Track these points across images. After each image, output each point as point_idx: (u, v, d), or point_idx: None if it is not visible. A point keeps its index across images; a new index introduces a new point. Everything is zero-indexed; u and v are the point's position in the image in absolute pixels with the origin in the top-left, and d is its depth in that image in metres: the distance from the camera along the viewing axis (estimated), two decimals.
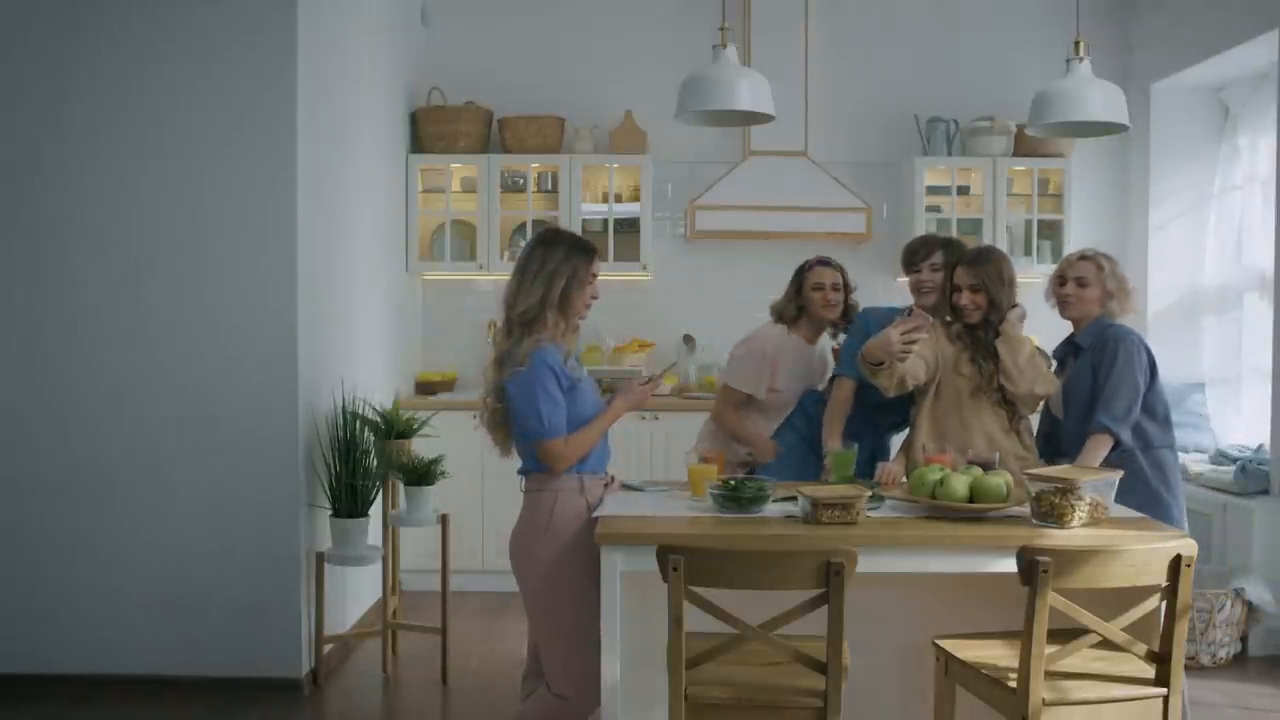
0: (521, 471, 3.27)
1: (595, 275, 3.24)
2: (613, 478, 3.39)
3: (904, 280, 4.22)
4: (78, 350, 4.41)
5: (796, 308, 4.27)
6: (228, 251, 4.40)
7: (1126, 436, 3.70)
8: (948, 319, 3.83)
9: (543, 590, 3.17)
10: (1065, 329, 4.00)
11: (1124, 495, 3.39)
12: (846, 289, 4.27)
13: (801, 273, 4.29)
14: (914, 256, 4.10)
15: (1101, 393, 3.71)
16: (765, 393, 4.20)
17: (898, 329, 3.55)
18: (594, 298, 3.26)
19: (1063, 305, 3.91)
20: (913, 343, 3.55)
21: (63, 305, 4.42)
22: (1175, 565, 2.72)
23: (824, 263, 4.28)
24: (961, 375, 3.75)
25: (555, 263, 3.15)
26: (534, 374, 3.08)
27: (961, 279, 3.76)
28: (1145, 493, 3.68)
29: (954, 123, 6.31)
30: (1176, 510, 3.79)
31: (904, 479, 3.63)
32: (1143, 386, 3.74)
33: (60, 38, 4.39)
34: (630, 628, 3.03)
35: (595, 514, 3.18)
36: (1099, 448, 3.66)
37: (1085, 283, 3.85)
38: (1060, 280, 3.91)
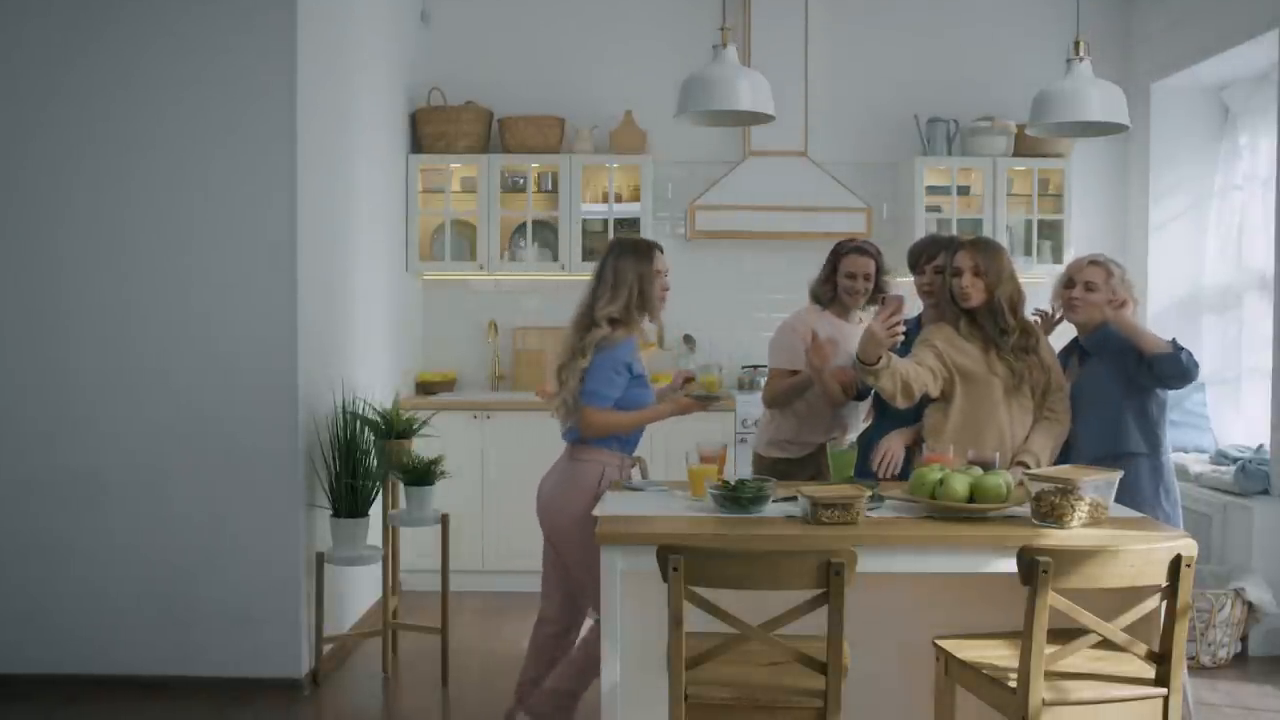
0: (569, 439, 3.72)
1: (659, 270, 3.72)
2: (639, 458, 3.81)
3: (904, 279, 4.21)
4: (75, 350, 4.41)
5: (832, 289, 4.28)
6: (227, 252, 4.40)
7: (1185, 359, 3.67)
8: (955, 312, 3.79)
9: (583, 534, 3.43)
10: (1066, 332, 4.00)
11: (1124, 502, 3.40)
12: (880, 274, 4.26)
13: (837, 256, 4.28)
14: (917, 259, 4.10)
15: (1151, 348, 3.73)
16: (804, 366, 4.16)
17: (878, 320, 3.52)
18: (665, 289, 3.75)
19: (1069, 308, 3.91)
20: (897, 325, 3.51)
21: (59, 304, 4.42)
22: (1175, 565, 2.72)
23: (860, 250, 4.25)
24: (996, 375, 3.71)
25: (622, 265, 3.68)
26: (612, 354, 3.60)
27: (964, 261, 3.71)
28: (1144, 504, 3.66)
29: (954, 123, 6.31)
30: (1174, 518, 3.78)
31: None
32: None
33: (57, 36, 4.39)
34: (630, 628, 3.03)
35: (594, 513, 3.21)
36: (1160, 342, 3.70)
37: (1094, 288, 3.84)
38: (1068, 283, 3.91)
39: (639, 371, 3.69)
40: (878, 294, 4.27)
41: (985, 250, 3.75)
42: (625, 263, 3.68)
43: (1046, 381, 3.74)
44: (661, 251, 3.78)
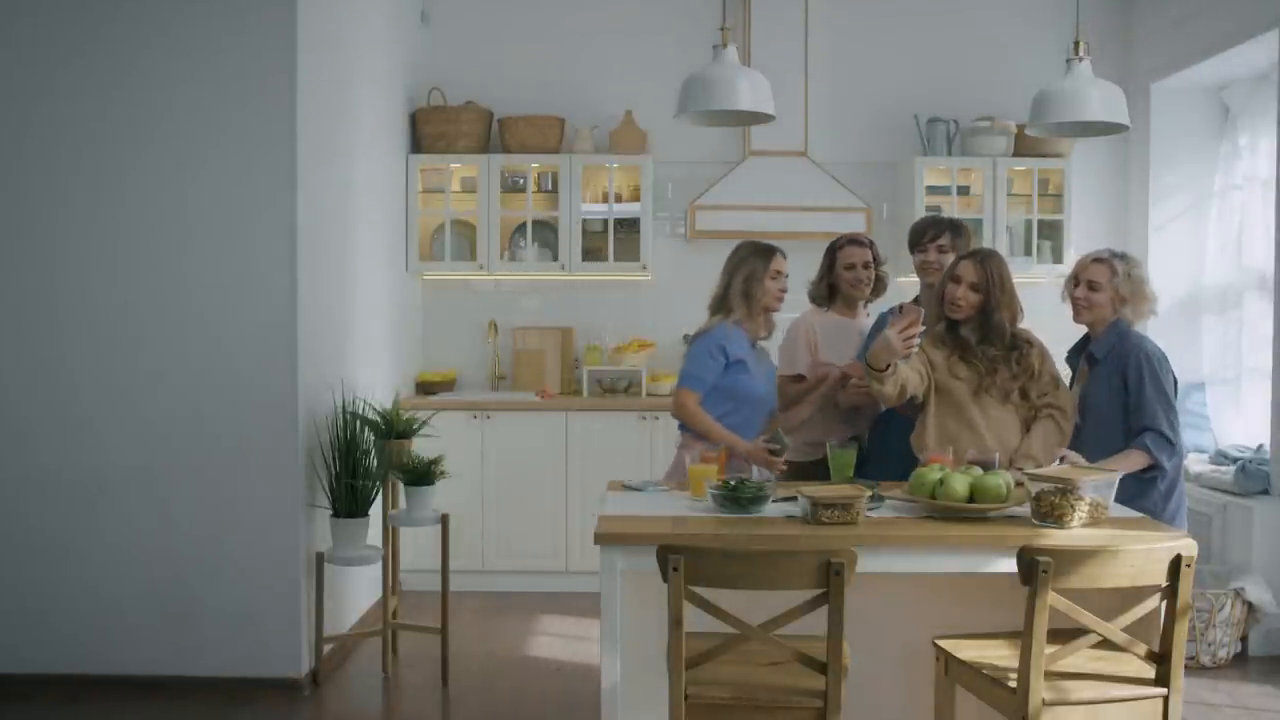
0: (680, 429, 4.06)
1: (778, 271, 3.94)
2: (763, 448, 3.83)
3: (904, 280, 4.21)
4: (74, 350, 4.41)
5: (829, 287, 4.30)
6: (227, 251, 4.40)
7: (1166, 459, 3.63)
8: (937, 314, 3.80)
9: None
10: (1073, 330, 3.96)
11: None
12: (876, 264, 4.29)
13: (833, 251, 4.31)
14: (920, 237, 4.11)
15: (1143, 412, 3.65)
16: (810, 370, 4.21)
17: (895, 329, 3.51)
18: (783, 290, 3.96)
19: (1075, 309, 3.85)
20: (912, 338, 3.52)
21: (59, 305, 4.41)
22: (1175, 565, 2.72)
23: (855, 241, 4.30)
24: (958, 379, 3.71)
25: (736, 262, 3.97)
26: (707, 339, 3.93)
27: (966, 273, 3.68)
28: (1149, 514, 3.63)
29: (954, 123, 6.31)
30: (1178, 525, 3.73)
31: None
32: (1173, 405, 3.70)
33: (55, 36, 4.38)
34: (630, 628, 3.03)
35: (596, 513, 3.20)
36: (1133, 461, 3.61)
37: (1097, 287, 3.77)
38: (1075, 282, 3.85)
39: (737, 357, 3.88)
40: (879, 285, 4.31)
41: (989, 267, 3.68)
42: (743, 259, 3.97)
43: (1027, 382, 3.71)
44: (784, 256, 3.99)
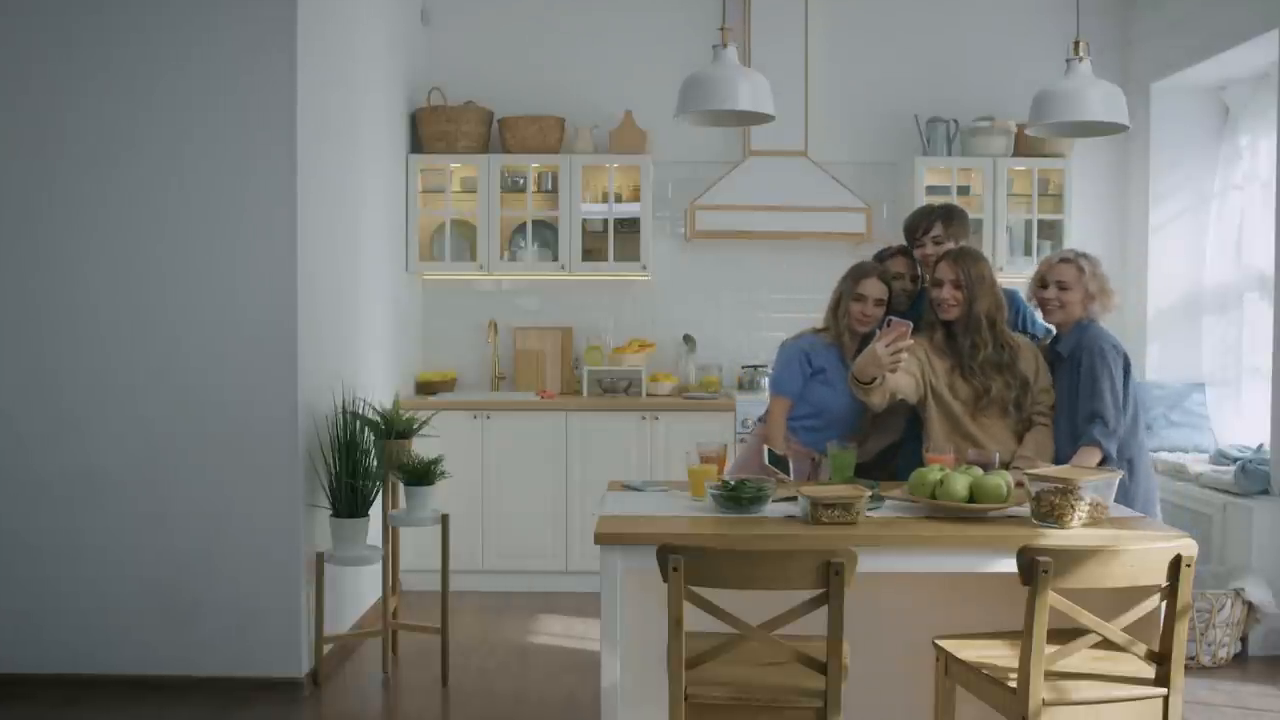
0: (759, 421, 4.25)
1: (862, 294, 3.89)
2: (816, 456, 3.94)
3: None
4: (74, 350, 4.41)
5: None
6: (227, 251, 4.40)
7: (1113, 449, 3.62)
8: (931, 320, 3.80)
9: None
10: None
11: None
12: (918, 280, 4.18)
13: (882, 260, 4.23)
14: (914, 232, 4.10)
15: (1088, 405, 3.65)
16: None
17: (882, 342, 3.52)
18: (865, 314, 3.89)
19: (1045, 310, 3.88)
20: (900, 352, 3.53)
21: (59, 305, 4.41)
22: (1175, 565, 2.72)
23: (903, 252, 4.22)
24: (958, 399, 3.71)
25: (840, 279, 4.02)
26: (791, 345, 4.04)
27: (945, 273, 3.73)
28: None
29: (954, 123, 6.31)
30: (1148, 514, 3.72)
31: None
32: (1121, 394, 3.69)
33: (57, 35, 4.39)
34: (630, 628, 3.03)
35: (596, 513, 3.20)
36: (1089, 457, 3.60)
37: (1066, 286, 3.80)
38: (1041, 284, 3.87)
39: (820, 365, 3.93)
40: (918, 300, 4.18)
41: (967, 262, 3.73)
42: (842, 277, 4.00)
43: (1020, 394, 3.72)
44: (879, 278, 3.92)
